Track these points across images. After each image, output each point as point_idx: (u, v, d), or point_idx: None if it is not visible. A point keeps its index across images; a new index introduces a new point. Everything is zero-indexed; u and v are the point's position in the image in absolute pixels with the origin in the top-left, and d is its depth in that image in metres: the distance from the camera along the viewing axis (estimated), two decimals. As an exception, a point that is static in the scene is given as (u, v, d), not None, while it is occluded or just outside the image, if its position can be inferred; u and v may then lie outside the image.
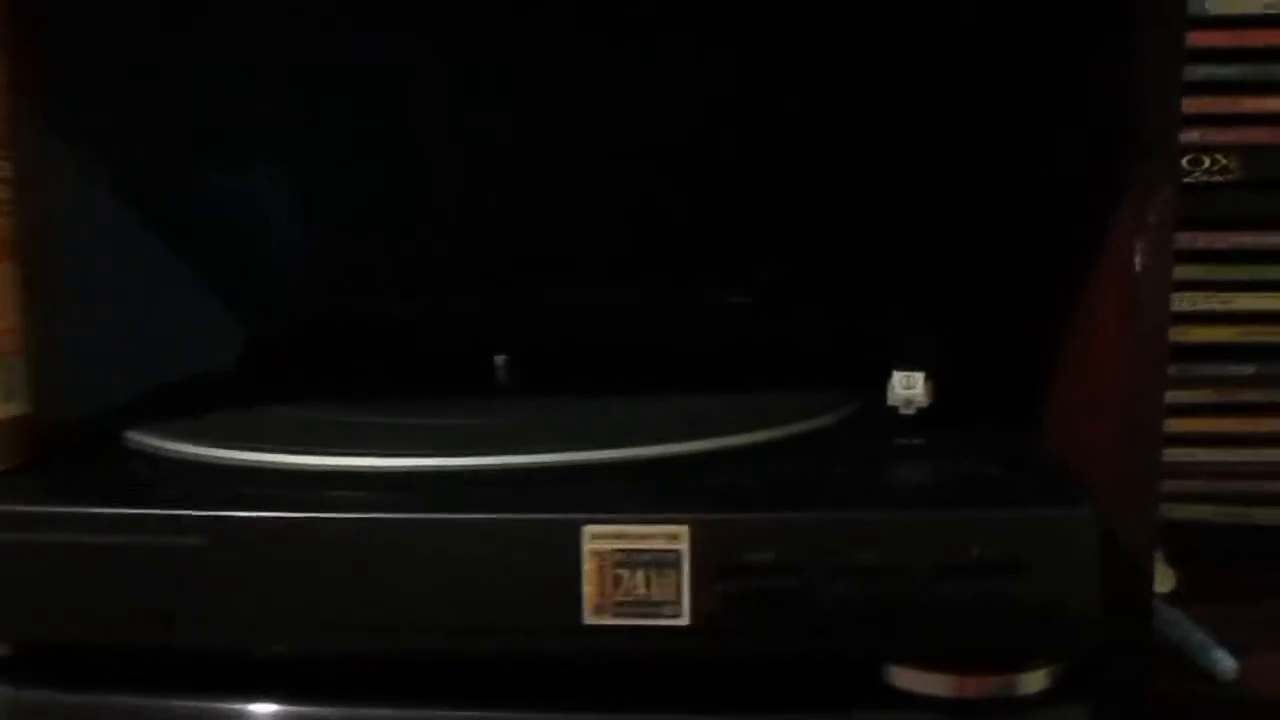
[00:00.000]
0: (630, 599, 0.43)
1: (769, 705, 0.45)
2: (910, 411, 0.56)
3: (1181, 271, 0.80)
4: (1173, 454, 0.81)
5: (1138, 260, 0.51)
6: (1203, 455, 0.80)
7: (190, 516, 0.43)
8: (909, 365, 0.57)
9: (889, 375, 0.57)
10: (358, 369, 0.77)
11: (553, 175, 0.81)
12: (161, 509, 0.44)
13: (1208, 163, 0.82)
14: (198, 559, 0.43)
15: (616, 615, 0.43)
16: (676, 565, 0.43)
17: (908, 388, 0.56)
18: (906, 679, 0.45)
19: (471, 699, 0.46)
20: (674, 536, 0.43)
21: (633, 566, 0.43)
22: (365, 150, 0.83)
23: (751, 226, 0.81)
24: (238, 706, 0.46)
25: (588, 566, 0.43)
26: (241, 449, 0.50)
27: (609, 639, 0.43)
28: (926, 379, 0.57)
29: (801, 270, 0.79)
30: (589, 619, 0.43)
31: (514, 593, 0.43)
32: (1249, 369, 0.83)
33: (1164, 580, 0.71)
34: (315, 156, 0.83)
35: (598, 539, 0.43)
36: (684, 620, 0.43)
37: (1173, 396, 0.80)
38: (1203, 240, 0.82)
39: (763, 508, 0.43)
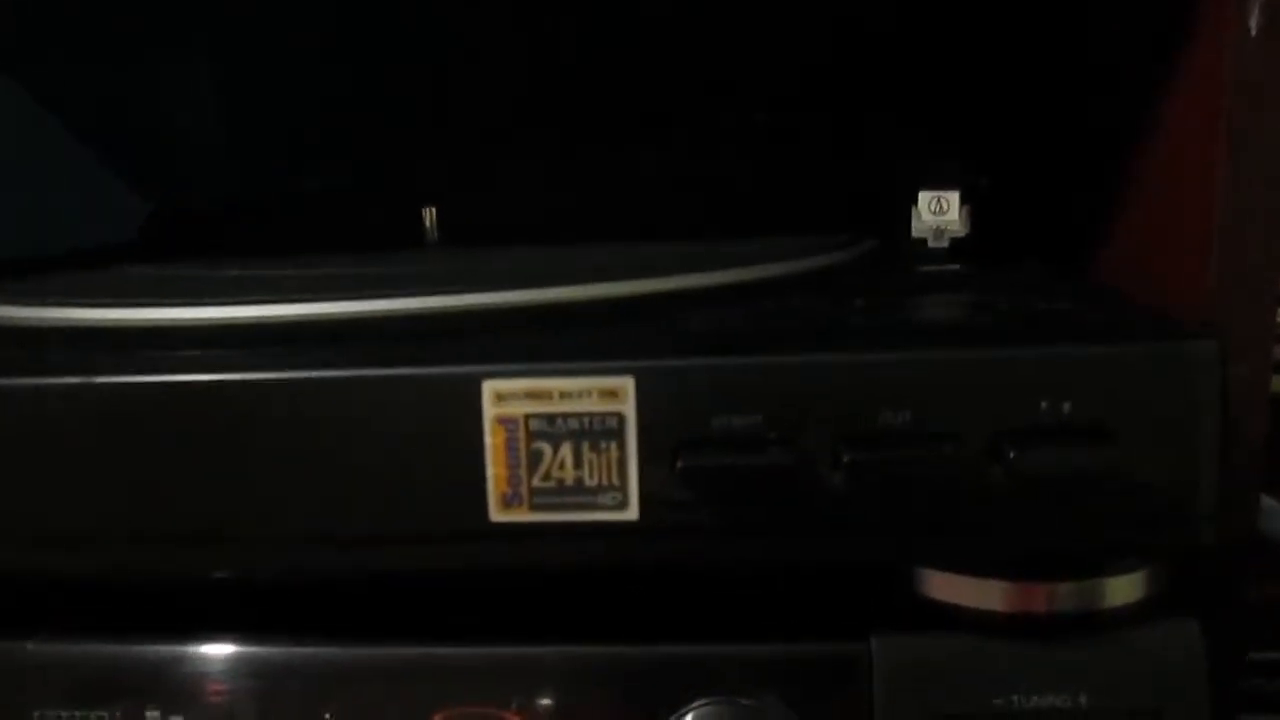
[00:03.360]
0: (554, 485, 0.30)
1: (751, 630, 0.33)
2: (942, 243, 0.43)
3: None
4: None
5: (1253, 21, 0.37)
6: None
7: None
8: (939, 185, 0.43)
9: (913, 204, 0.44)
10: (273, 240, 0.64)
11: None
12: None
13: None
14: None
15: (536, 509, 0.30)
16: (619, 435, 0.30)
17: (938, 212, 0.43)
18: (947, 589, 0.32)
19: (346, 630, 0.34)
20: (614, 393, 0.30)
21: (556, 438, 0.30)
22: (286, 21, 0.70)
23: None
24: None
25: (492, 440, 0.30)
26: (47, 305, 0.37)
27: (525, 543, 0.30)
28: (963, 201, 0.43)
29: (795, 106, 0.64)
30: (496, 515, 0.30)
31: (389, 483, 0.30)
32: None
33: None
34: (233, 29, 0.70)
35: (505, 399, 0.30)
36: (630, 514, 0.30)
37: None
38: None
39: (743, 350, 0.30)
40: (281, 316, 0.35)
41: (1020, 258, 0.43)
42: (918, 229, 0.43)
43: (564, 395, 0.30)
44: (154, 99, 0.72)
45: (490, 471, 0.30)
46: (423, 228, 0.58)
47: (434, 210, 0.56)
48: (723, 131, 0.61)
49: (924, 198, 0.43)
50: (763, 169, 0.61)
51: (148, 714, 0.36)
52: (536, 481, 0.30)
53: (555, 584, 0.34)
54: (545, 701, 0.34)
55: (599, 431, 0.30)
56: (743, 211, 0.57)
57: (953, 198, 0.43)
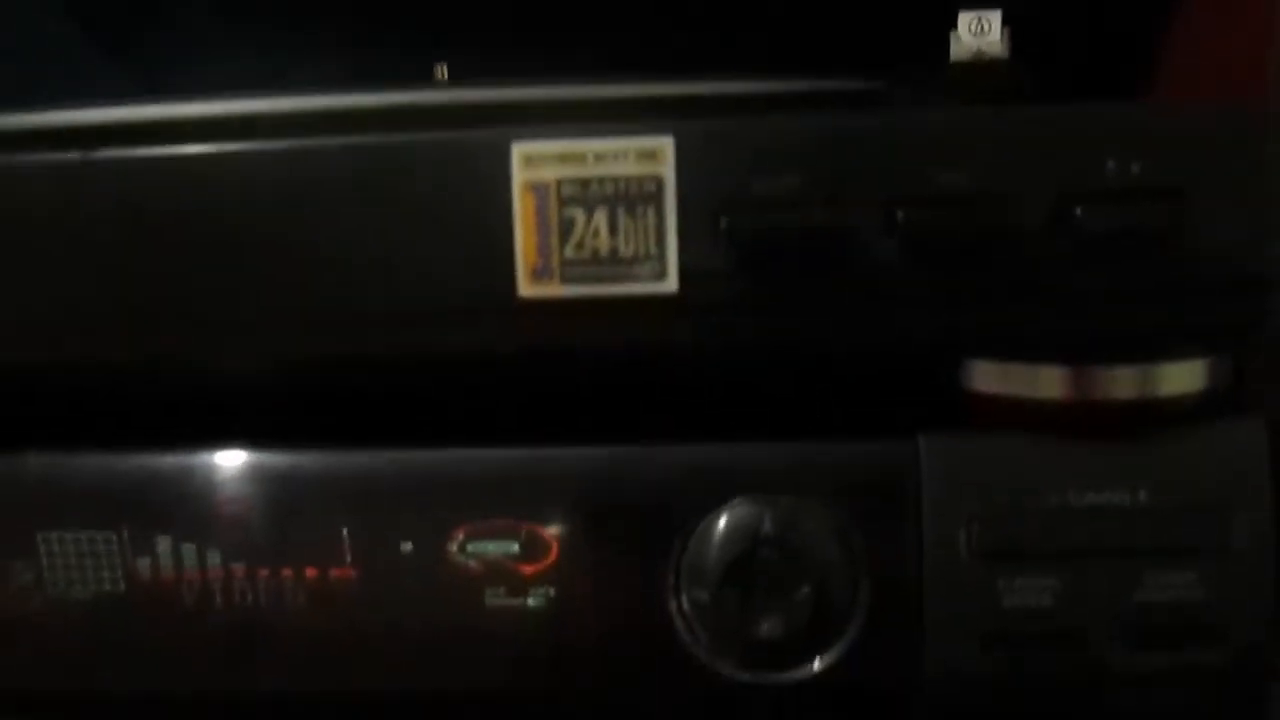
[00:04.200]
0: (587, 255, 0.28)
1: (797, 426, 0.31)
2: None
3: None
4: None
5: None
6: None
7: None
8: (980, 4, 0.41)
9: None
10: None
11: None
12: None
13: None
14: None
15: (567, 282, 0.28)
16: (657, 200, 0.28)
17: (978, 33, 0.41)
18: (995, 379, 0.31)
19: (364, 439, 0.33)
20: (653, 155, 0.28)
21: (590, 204, 0.28)
22: None
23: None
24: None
25: (520, 206, 0.28)
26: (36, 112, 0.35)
27: (556, 320, 0.29)
28: (1004, 23, 0.41)
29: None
30: (525, 289, 0.29)
31: (409, 257, 0.29)
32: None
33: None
34: None
35: (535, 163, 0.28)
36: (669, 286, 0.28)
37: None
38: None
39: (788, 111, 0.28)
40: (296, 109, 0.33)
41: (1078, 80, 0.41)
42: (956, 52, 0.41)
43: (599, 158, 0.28)
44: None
45: (519, 242, 0.28)
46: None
47: (445, 67, 0.54)
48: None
49: (964, 18, 0.41)
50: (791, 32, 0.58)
51: (157, 539, 0.34)
52: (568, 252, 0.28)
53: (583, 386, 0.33)
54: (574, 509, 0.32)
55: (636, 196, 0.28)
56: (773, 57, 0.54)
57: (994, 18, 0.41)
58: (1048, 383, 0.30)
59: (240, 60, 0.71)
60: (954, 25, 0.42)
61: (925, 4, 0.43)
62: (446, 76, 0.54)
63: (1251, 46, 0.37)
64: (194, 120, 0.33)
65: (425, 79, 0.56)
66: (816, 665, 0.31)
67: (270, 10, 0.68)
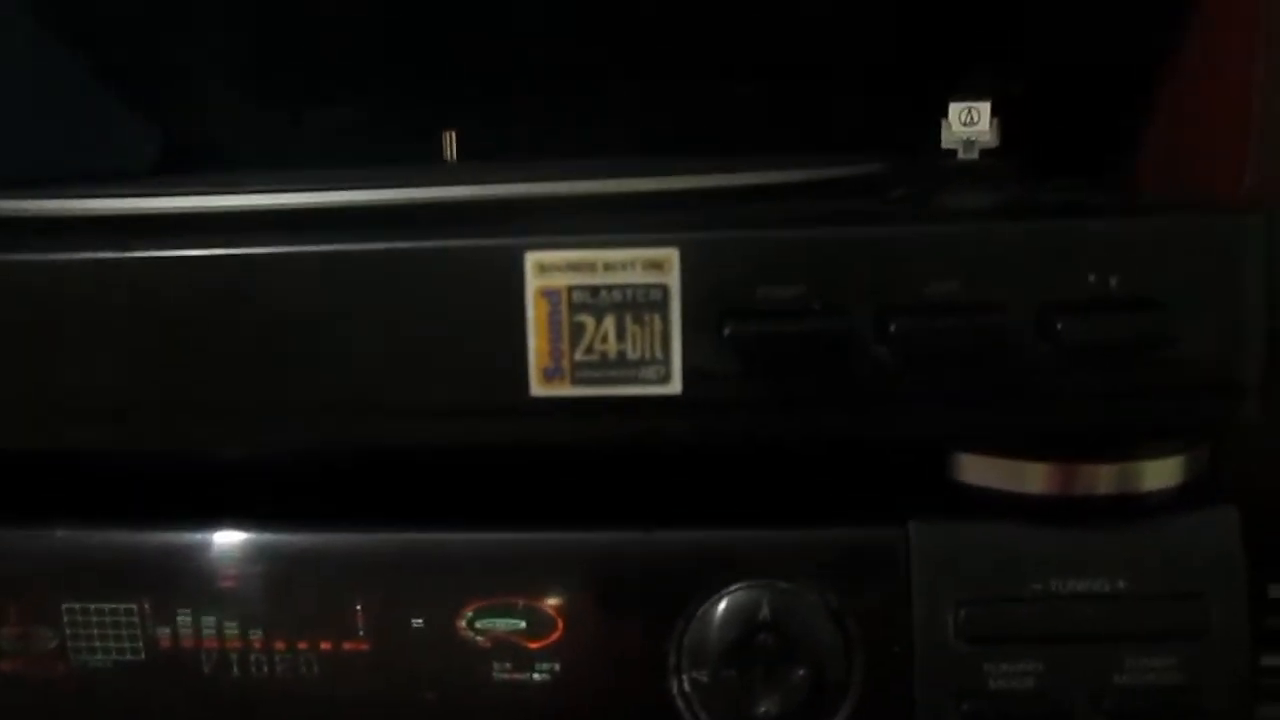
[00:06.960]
0: (596, 358, 0.30)
1: (793, 513, 0.33)
2: (972, 155, 0.43)
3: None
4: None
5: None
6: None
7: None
8: (970, 95, 0.43)
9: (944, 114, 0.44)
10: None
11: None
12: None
13: None
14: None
15: (577, 383, 0.30)
16: (663, 307, 0.30)
17: (968, 123, 0.43)
18: (985, 472, 0.32)
19: (379, 517, 0.34)
20: (659, 264, 0.29)
21: (599, 311, 0.30)
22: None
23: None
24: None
25: (534, 312, 0.30)
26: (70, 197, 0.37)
27: (566, 418, 0.30)
28: (993, 113, 0.43)
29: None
30: (537, 389, 0.30)
31: (429, 356, 0.30)
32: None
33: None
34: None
35: (548, 271, 0.30)
36: (674, 387, 0.30)
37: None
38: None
39: (787, 225, 0.30)
40: (317, 203, 0.35)
41: (1053, 171, 0.43)
42: (947, 140, 0.43)
43: (608, 267, 0.29)
44: (170, 29, 0.71)
45: (531, 344, 0.30)
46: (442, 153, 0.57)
47: (454, 135, 0.56)
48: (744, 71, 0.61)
49: (954, 109, 0.43)
50: (787, 106, 0.60)
51: (178, 613, 0.36)
52: (578, 355, 0.30)
53: (588, 470, 0.34)
54: (580, 589, 0.33)
55: (643, 303, 0.29)
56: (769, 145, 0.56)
57: (984, 108, 0.43)
58: (1033, 477, 0.32)
59: (256, 119, 0.72)
60: (945, 114, 0.44)
61: (918, 94, 0.45)
62: (454, 145, 0.56)
63: (1228, 138, 0.39)
64: (214, 212, 0.35)
65: (434, 139, 0.58)
66: (812, 744, 0.33)
67: (285, 72, 0.70)
